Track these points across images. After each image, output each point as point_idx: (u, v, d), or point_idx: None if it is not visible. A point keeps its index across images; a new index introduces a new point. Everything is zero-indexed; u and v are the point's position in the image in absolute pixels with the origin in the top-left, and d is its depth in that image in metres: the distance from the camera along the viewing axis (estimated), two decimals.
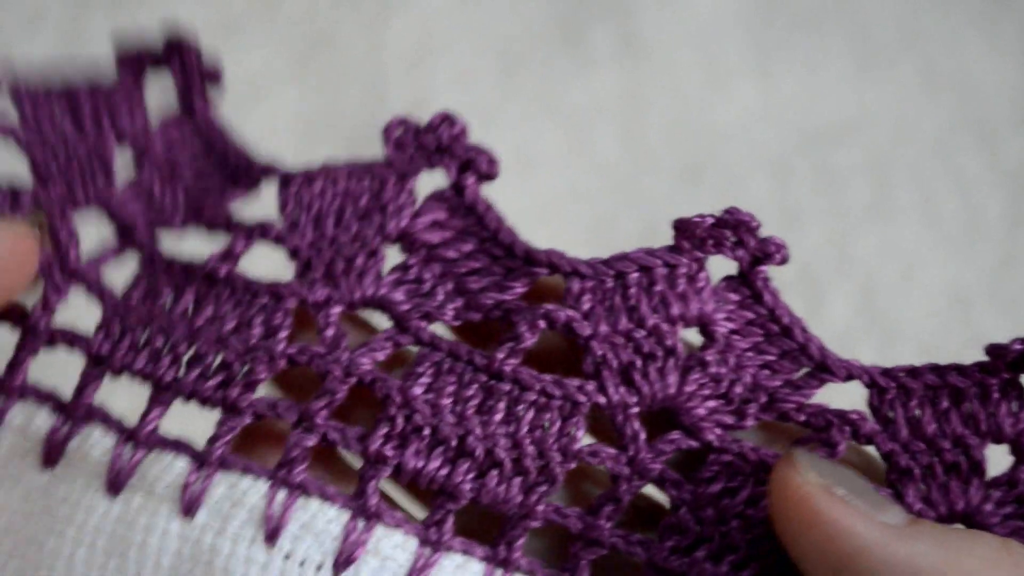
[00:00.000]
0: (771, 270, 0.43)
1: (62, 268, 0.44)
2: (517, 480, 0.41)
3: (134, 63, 0.46)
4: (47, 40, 0.93)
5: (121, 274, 0.46)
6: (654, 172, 0.92)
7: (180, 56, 0.46)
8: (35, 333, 0.43)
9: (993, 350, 0.41)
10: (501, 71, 0.96)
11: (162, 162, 0.45)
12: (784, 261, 0.42)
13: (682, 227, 0.42)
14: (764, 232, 0.43)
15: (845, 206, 0.92)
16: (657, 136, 0.94)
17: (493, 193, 0.46)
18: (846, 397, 0.44)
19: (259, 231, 0.44)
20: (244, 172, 0.45)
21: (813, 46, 0.98)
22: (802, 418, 0.42)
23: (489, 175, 0.44)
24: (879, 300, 0.88)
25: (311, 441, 0.42)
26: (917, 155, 0.94)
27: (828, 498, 0.37)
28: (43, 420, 0.43)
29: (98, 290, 0.44)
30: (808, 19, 0.99)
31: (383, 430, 0.42)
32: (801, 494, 0.38)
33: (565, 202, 0.90)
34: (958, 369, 0.41)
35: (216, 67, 0.46)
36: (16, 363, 0.43)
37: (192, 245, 0.46)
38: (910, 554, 0.37)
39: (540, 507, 0.41)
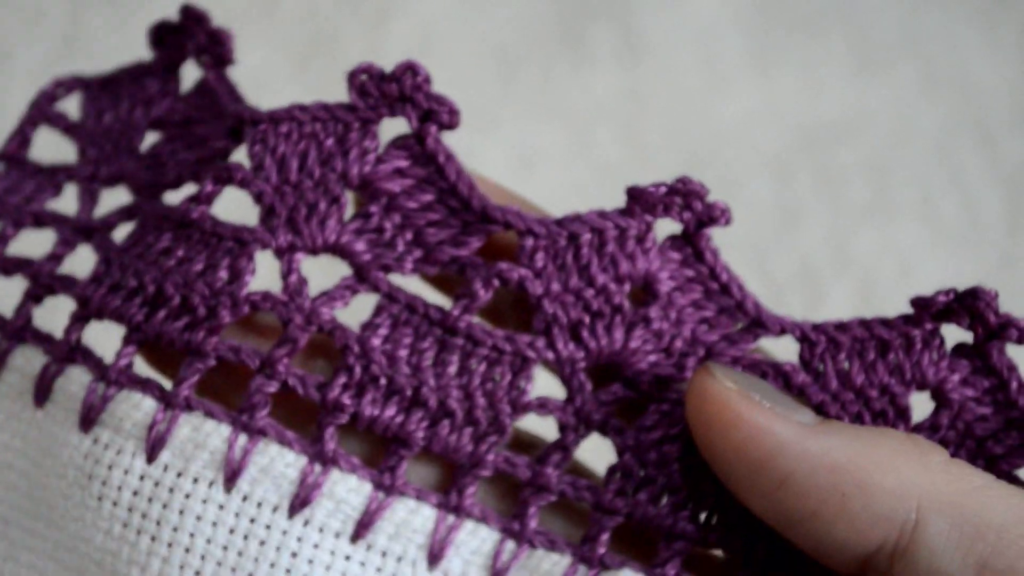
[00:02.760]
0: (772, 268, 0.44)
1: (75, 225, 0.47)
2: (468, 430, 0.43)
3: (169, 51, 0.49)
4: (47, 40, 0.93)
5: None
6: (654, 172, 0.92)
7: (197, 26, 0.48)
8: (36, 280, 0.46)
9: (918, 302, 0.44)
10: (501, 71, 0.96)
11: (177, 133, 0.47)
12: (728, 223, 0.44)
13: (636, 195, 0.44)
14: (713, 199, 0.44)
15: (845, 206, 0.92)
16: (657, 136, 0.94)
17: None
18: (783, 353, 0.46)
19: (226, 173, 0.45)
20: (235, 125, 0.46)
21: (813, 46, 0.98)
22: (738, 369, 0.43)
23: (450, 125, 0.45)
24: (878, 299, 0.88)
25: (272, 387, 0.43)
26: (917, 155, 0.94)
27: (746, 401, 0.40)
28: (40, 361, 0.45)
29: (103, 247, 0.46)
30: (808, 19, 0.99)
31: (341, 379, 0.43)
32: (720, 399, 0.40)
33: (565, 202, 0.90)
34: (884, 322, 0.43)
35: (227, 38, 0.49)
36: (19, 308, 0.46)
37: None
38: (825, 448, 0.39)
39: (490, 456, 0.43)
